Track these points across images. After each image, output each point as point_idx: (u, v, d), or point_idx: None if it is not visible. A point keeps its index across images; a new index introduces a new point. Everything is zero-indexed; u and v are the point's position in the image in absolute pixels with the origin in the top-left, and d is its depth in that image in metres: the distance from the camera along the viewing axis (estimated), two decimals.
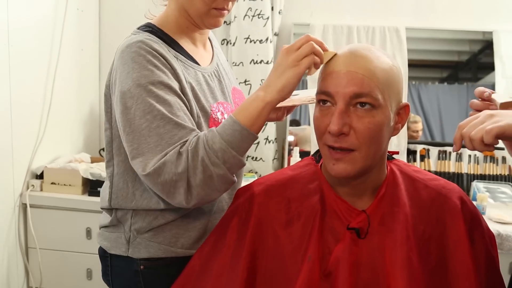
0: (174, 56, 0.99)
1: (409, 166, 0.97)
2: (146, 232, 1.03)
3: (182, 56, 1.01)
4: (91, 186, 1.98)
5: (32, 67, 1.95)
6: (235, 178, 0.94)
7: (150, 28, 1.01)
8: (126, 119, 0.92)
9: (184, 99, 0.96)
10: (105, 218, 1.10)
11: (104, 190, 1.09)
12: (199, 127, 0.98)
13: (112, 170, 1.06)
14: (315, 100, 0.95)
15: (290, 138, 2.42)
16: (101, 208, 1.10)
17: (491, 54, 2.30)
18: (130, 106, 0.91)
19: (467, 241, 0.86)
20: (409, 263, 0.82)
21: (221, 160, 0.87)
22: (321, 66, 0.88)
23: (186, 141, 0.90)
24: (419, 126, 2.42)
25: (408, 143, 2.33)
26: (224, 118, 1.04)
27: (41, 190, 1.99)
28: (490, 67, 2.32)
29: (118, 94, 0.93)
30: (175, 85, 0.94)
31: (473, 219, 0.90)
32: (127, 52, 0.93)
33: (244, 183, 1.12)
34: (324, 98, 0.84)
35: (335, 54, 0.85)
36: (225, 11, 1.01)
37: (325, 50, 0.86)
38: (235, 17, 2.30)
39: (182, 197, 0.89)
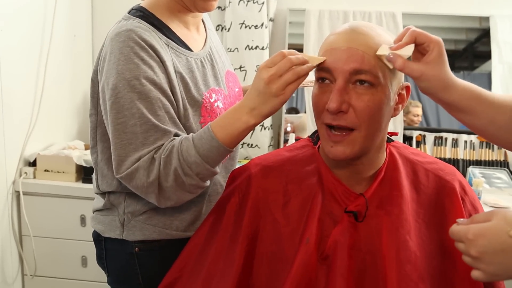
0: (165, 43, 0.97)
1: (407, 149, 0.96)
2: (141, 215, 1.02)
3: (174, 43, 0.99)
4: (85, 173, 1.96)
5: (23, 53, 1.91)
6: (208, 183, 0.95)
7: (141, 13, 0.98)
8: (106, 110, 0.92)
9: (169, 94, 0.94)
10: (99, 201, 1.09)
11: (93, 176, 1.09)
12: (187, 119, 0.97)
13: (96, 156, 1.05)
14: (309, 84, 0.93)
15: (287, 127, 2.40)
16: (95, 193, 1.10)
17: (487, 42, 2.29)
18: (110, 98, 0.90)
19: None
20: (405, 246, 0.82)
21: (194, 172, 0.88)
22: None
23: (162, 145, 0.90)
24: (420, 110, 2.42)
25: (404, 129, 2.33)
26: (216, 106, 1.03)
27: (34, 177, 1.97)
28: (486, 56, 2.30)
29: (104, 84, 0.92)
30: (161, 80, 0.92)
31: (471, 203, 0.90)
32: (116, 41, 0.91)
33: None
34: (323, 75, 0.82)
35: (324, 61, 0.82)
36: None
37: (304, 62, 0.81)
38: (230, 2, 2.27)
39: (154, 200, 0.92)
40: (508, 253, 0.64)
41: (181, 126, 0.96)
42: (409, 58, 0.78)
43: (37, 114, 1.99)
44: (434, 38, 0.76)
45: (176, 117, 0.95)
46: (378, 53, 0.79)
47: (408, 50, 0.77)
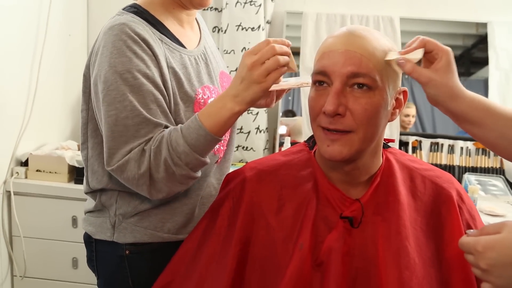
0: (159, 39, 0.97)
1: (404, 155, 0.95)
2: (132, 217, 1.01)
3: (168, 39, 0.99)
4: (77, 174, 1.94)
5: (17, 52, 1.89)
6: (199, 174, 0.94)
7: (135, 9, 0.98)
8: (98, 103, 0.91)
9: (162, 88, 0.93)
10: (90, 203, 1.08)
11: (84, 173, 1.08)
12: (177, 114, 0.96)
13: (87, 153, 1.04)
14: (305, 84, 0.92)
15: (282, 130, 2.39)
16: (85, 193, 1.08)
17: (484, 48, 2.29)
18: (102, 90, 0.90)
19: (462, 233, 0.84)
20: (405, 252, 0.80)
21: (183, 162, 0.87)
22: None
23: (152, 137, 0.89)
24: (412, 111, 2.42)
25: (401, 134, 2.32)
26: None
27: (26, 177, 1.94)
28: (483, 62, 2.31)
29: (96, 77, 0.92)
30: (153, 74, 0.92)
31: (468, 212, 0.89)
32: (109, 35, 0.91)
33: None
34: (320, 78, 0.81)
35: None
36: None
37: (286, 53, 0.83)
38: (226, 4, 2.26)
39: (145, 192, 0.91)
40: None
41: (173, 120, 0.95)
42: (419, 64, 0.78)
43: (30, 113, 1.97)
44: (443, 46, 0.77)
45: (168, 110, 0.94)
46: (387, 58, 0.79)
47: (418, 54, 0.77)
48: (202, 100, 1.00)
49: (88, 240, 1.07)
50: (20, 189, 1.90)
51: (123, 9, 1.00)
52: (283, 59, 0.82)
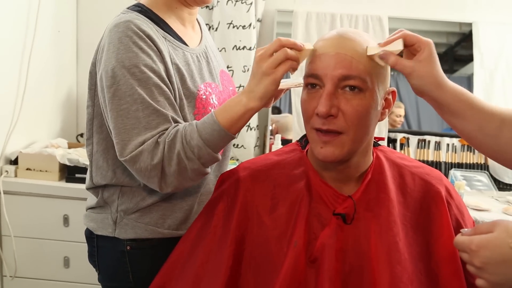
0: (162, 36, 0.99)
1: (394, 153, 0.98)
2: (133, 213, 1.03)
3: (171, 37, 1.01)
4: (69, 172, 1.93)
5: (6, 48, 1.87)
6: (209, 170, 0.95)
7: (139, 8, 1.01)
8: (107, 98, 0.92)
9: (168, 82, 0.95)
10: (92, 199, 1.09)
11: (88, 169, 1.09)
12: (181, 109, 0.98)
13: (92, 148, 1.05)
14: (302, 84, 0.94)
15: (272, 127, 2.40)
16: (86, 189, 1.10)
17: (467, 46, 2.33)
18: (111, 85, 0.91)
19: (451, 228, 0.87)
20: (396, 248, 0.83)
21: (196, 156, 0.89)
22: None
23: (165, 130, 0.91)
24: (402, 111, 2.46)
25: (389, 131, 2.35)
26: (211, 99, 1.05)
27: (16, 176, 1.93)
28: (466, 60, 2.35)
29: (102, 73, 0.93)
30: (159, 68, 0.94)
31: (457, 207, 0.91)
32: (115, 32, 0.93)
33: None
34: (312, 81, 0.83)
35: (313, 50, 0.84)
36: None
37: (299, 49, 0.84)
38: (218, 1, 2.26)
39: (156, 185, 0.92)
40: (509, 264, 0.66)
41: (180, 113, 0.97)
42: (400, 55, 0.79)
43: (19, 111, 1.95)
44: (424, 39, 0.78)
45: (175, 103, 0.96)
46: (368, 53, 0.80)
47: (397, 45, 0.78)
48: (204, 96, 1.03)
49: (90, 236, 1.09)
50: (10, 188, 1.88)
51: (128, 8, 1.02)
52: (290, 51, 0.83)
